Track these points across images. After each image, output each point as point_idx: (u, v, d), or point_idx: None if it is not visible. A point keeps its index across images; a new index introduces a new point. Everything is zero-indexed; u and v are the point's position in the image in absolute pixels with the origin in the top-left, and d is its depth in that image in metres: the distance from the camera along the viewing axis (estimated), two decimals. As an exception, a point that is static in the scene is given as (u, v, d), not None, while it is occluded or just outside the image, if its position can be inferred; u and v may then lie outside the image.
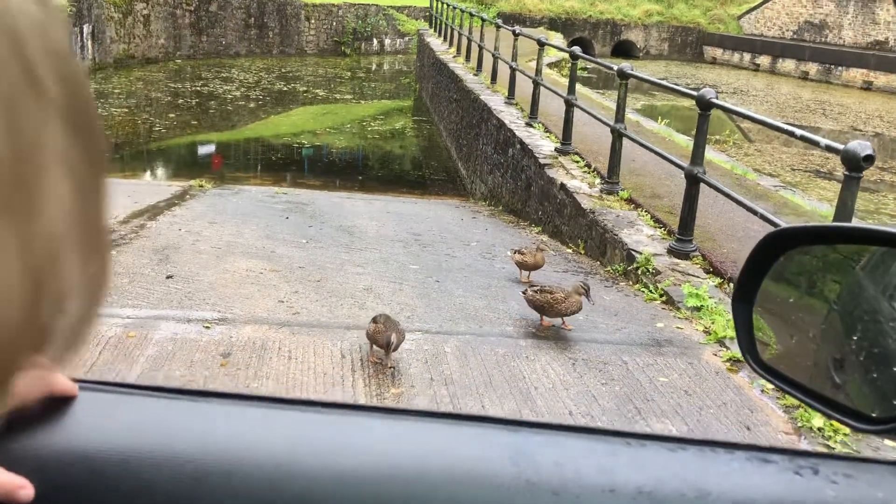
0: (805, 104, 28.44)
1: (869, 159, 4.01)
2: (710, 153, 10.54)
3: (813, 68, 35.26)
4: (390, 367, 3.93)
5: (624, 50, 39.95)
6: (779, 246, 1.03)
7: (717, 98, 5.79)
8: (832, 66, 34.43)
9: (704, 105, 5.80)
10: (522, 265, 5.95)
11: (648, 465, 0.67)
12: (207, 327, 4.26)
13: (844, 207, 4.18)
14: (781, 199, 7.96)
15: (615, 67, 7.80)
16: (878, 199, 15.59)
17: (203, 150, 17.68)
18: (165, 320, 4.30)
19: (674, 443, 0.70)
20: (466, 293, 5.45)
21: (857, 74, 33.45)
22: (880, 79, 32.56)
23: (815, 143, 4.45)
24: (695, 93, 5.97)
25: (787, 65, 36.52)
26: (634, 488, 0.64)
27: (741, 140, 20.11)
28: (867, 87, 32.90)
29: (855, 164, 4.06)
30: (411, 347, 4.20)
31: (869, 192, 16.08)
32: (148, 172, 15.41)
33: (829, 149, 4.32)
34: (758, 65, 38.17)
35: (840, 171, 14.58)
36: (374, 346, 3.95)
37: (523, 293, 4.73)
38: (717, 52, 40.90)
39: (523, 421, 0.70)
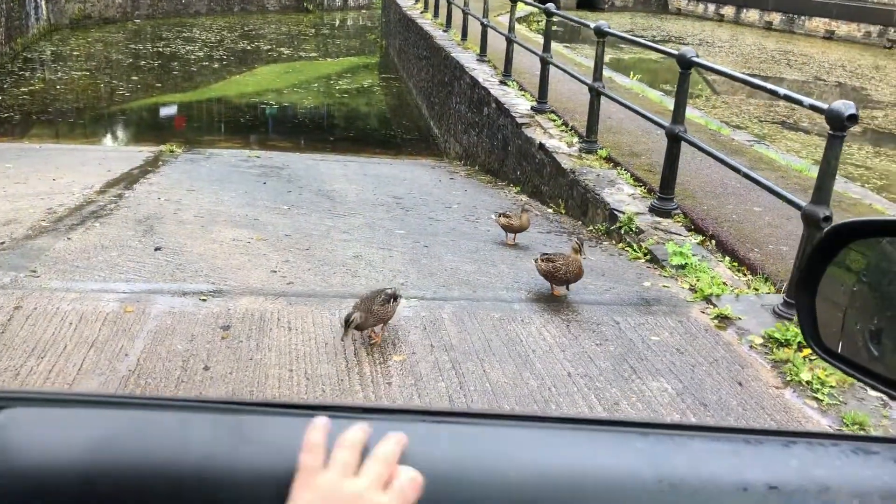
0: (770, 55, 28.62)
1: (852, 118, 4.10)
2: (683, 108, 10.62)
3: (776, 18, 35.42)
4: (372, 342, 3.98)
5: (588, 2, 39.70)
6: (840, 238, 1.08)
7: (697, 57, 5.83)
8: (795, 16, 34.61)
9: (685, 64, 5.84)
10: (508, 228, 6.01)
11: (771, 462, 0.73)
12: (204, 300, 4.26)
13: (828, 166, 4.28)
14: (756, 153, 8.08)
15: (592, 25, 7.79)
16: (843, 148, 15.84)
17: (166, 111, 17.35)
18: (161, 294, 4.29)
19: (786, 436, 0.76)
20: (456, 258, 5.50)
21: (819, 24, 33.67)
22: (842, 28, 32.82)
23: (799, 103, 4.53)
24: (675, 52, 6.00)
25: (751, 15, 36.62)
26: (764, 485, 0.70)
27: (708, 92, 20.24)
28: (829, 36, 33.16)
29: (839, 124, 4.15)
30: (409, 314, 4.25)
31: (834, 142, 16.33)
32: (114, 137, 15.10)
33: (813, 108, 4.40)
34: (722, 15, 38.21)
35: (806, 122, 14.79)
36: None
37: (535, 261, 4.76)
38: (682, 3, 40.84)
39: (651, 423, 0.75)
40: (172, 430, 0.67)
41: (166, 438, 0.66)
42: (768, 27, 35.50)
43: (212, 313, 4.10)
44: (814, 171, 7.65)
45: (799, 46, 31.00)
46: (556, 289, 4.76)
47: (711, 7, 38.88)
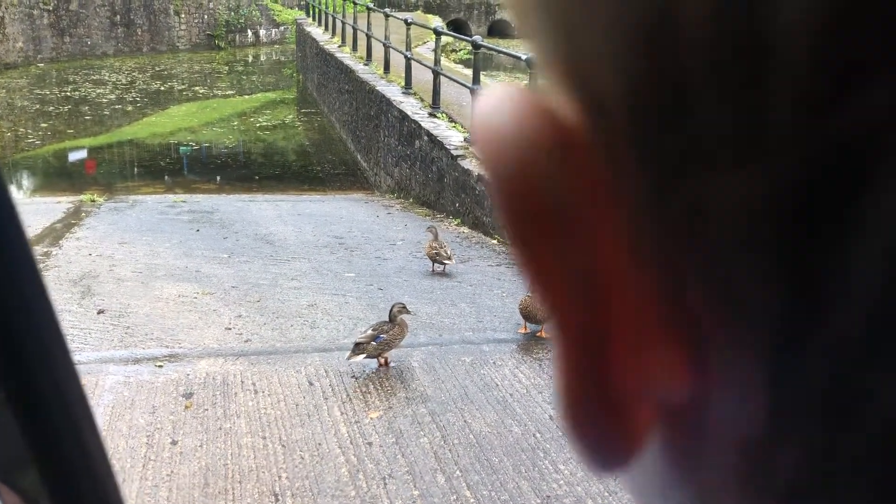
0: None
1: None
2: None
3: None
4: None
5: (499, 30, 40.46)
6: None
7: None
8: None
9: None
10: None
11: None
12: (160, 366, 4.02)
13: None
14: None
15: (524, 57, 7.84)
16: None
17: (75, 156, 16.70)
18: (113, 363, 4.03)
19: None
20: (414, 299, 5.37)
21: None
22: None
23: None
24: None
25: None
26: None
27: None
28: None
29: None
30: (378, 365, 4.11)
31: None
32: (27, 188, 14.44)
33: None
34: (628, 37, 39.48)
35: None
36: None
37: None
38: (589, 27, 42.03)
39: None
40: None
41: None
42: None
43: (171, 380, 3.87)
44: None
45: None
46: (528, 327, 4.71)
47: (618, 29, 40.14)
